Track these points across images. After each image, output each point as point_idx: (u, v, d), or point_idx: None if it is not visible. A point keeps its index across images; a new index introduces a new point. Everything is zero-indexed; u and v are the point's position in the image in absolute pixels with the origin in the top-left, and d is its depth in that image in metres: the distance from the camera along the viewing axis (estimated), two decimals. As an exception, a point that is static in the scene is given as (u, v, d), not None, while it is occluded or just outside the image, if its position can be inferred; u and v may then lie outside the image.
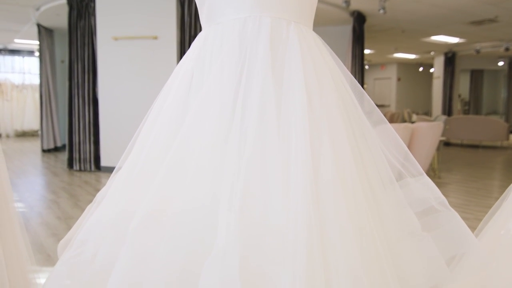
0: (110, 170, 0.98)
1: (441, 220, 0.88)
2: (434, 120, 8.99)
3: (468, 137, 10.01)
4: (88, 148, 6.12)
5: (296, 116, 0.79)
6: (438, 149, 5.55)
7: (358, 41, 7.33)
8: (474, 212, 3.93)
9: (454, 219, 0.88)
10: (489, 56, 12.05)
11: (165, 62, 5.50)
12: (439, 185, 0.95)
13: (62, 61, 8.54)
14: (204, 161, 0.78)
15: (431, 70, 13.33)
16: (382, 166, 0.88)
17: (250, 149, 0.76)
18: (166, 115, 0.88)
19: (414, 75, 14.48)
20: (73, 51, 6.05)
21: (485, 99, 14.54)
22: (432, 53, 11.79)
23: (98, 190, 0.97)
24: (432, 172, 5.74)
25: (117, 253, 0.76)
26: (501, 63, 12.87)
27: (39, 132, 8.83)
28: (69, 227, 0.98)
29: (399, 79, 14.20)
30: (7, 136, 11.23)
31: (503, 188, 1.22)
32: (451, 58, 11.43)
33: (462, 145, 10.49)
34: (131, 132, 0.94)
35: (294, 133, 0.78)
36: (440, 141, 5.55)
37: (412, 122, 7.67)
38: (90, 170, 6.13)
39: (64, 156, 6.82)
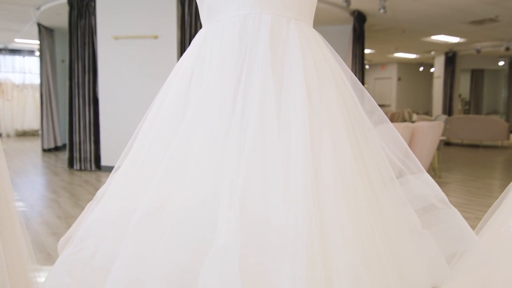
0: (110, 169, 0.99)
1: (441, 217, 0.88)
2: (434, 120, 8.98)
3: (468, 137, 10.00)
4: (88, 147, 6.13)
5: (296, 112, 0.79)
6: (438, 148, 5.55)
7: (359, 41, 7.33)
8: (475, 211, 3.93)
9: (454, 216, 0.88)
10: (490, 55, 12.05)
11: (166, 62, 5.50)
12: (439, 184, 0.95)
13: (63, 61, 8.54)
14: (204, 158, 0.78)
15: (432, 69, 13.33)
16: (382, 164, 0.88)
17: (250, 146, 0.76)
18: (166, 112, 0.88)
19: (414, 75, 14.47)
20: (74, 51, 6.05)
21: (486, 98, 14.53)
22: (432, 52, 11.78)
23: (98, 190, 0.97)
24: (433, 172, 5.74)
25: (117, 250, 0.76)
26: (501, 63, 12.86)
27: (40, 132, 8.84)
28: (69, 227, 0.98)
29: (399, 79, 14.19)
30: (8, 135, 11.23)
31: (503, 187, 1.22)
32: (451, 57, 11.42)
33: (462, 145, 10.48)
34: (132, 131, 0.94)
35: (294, 130, 0.77)
36: (441, 140, 5.55)
37: (413, 122, 7.66)
38: (91, 170, 6.13)
39: (65, 155, 6.83)
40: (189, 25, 5.56)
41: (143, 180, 0.83)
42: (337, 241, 0.73)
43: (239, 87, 0.81)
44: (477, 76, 14.22)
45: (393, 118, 10.79)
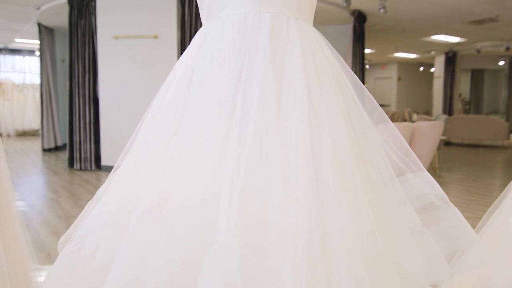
0: (110, 169, 0.99)
1: (441, 216, 0.88)
2: (434, 120, 8.98)
3: (468, 137, 10.00)
4: (88, 147, 6.13)
5: (296, 111, 0.79)
6: (438, 148, 5.55)
7: (359, 41, 7.33)
8: (475, 211, 3.93)
9: (454, 214, 0.87)
10: (490, 55, 12.04)
11: (166, 61, 5.50)
12: (439, 184, 0.95)
13: (63, 61, 8.54)
14: (204, 157, 0.78)
15: (432, 69, 13.32)
16: (382, 162, 0.88)
17: (250, 144, 0.76)
18: (166, 111, 0.88)
19: (414, 75, 14.47)
20: (74, 50, 6.05)
21: (486, 98, 14.53)
22: (432, 52, 11.78)
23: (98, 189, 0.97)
24: (433, 171, 5.74)
25: (117, 249, 0.76)
26: (501, 63, 12.86)
27: (40, 132, 8.84)
28: (69, 226, 0.98)
29: (399, 79, 14.19)
30: (8, 135, 11.23)
31: (504, 187, 1.22)
32: (451, 57, 11.42)
33: (462, 145, 10.48)
34: (132, 131, 0.94)
35: (294, 128, 0.77)
36: (441, 140, 5.55)
37: (413, 122, 7.66)
38: (91, 169, 6.13)
39: (65, 155, 6.83)
40: (189, 25, 5.56)
41: (143, 179, 0.83)
42: (337, 240, 0.73)
43: (239, 85, 0.81)
44: (477, 76, 14.22)
45: (393, 118, 10.78)
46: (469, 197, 4.56)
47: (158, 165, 0.81)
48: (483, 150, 9.44)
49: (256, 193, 0.74)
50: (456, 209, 0.88)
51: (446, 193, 0.89)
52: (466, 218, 0.88)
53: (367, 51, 10.14)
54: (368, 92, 0.94)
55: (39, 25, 7.74)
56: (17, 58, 11.88)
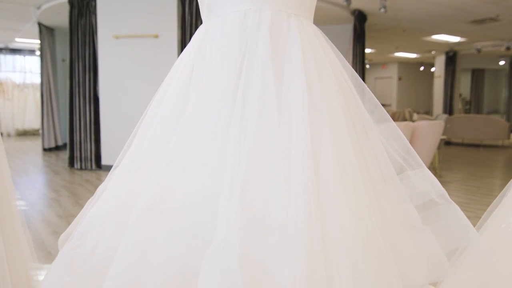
0: (110, 168, 0.99)
1: (442, 213, 0.88)
2: (435, 119, 8.98)
3: (469, 136, 9.99)
4: (89, 146, 6.13)
5: (297, 108, 0.78)
6: (439, 148, 5.55)
7: (359, 40, 7.33)
8: (475, 210, 3.92)
9: (454, 212, 0.87)
10: (490, 55, 12.03)
11: (166, 61, 5.50)
12: (440, 183, 0.95)
13: (63, 60, 8.54)
14: (204, 154, 0.78)
15: (432, 69, 13.32)
16: (383, 159, 0.88)
17: (250, 142, 0.75)
18: (166, 108, 0.88)
19: (415, 74, 14.46)
20: (74, 50, 6.05)
21: (486, 98, 14.52)
22: (433, 52, 11.77)
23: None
24: (433, 171, 5.73)
25: (117, 246, 0.75)
26: (502, 62, 12.85)
27: (40, 131, 8.84)
28: (69, 225, 0.99)
29: (400, 78, 14.18)
30: (9, 135, 11.23)
31: (504, 186, 1.22)
32: (452, 57, 11.41)
33: (463, 144, 10.47)
34: (132, 130, 0.93)
35: (294, 125, 0.77)
36: (441, 140, 5.54)
37: (413, 121, 7.66)
38: (91, 169, 6.13)
39: (65, 154, 6.83)
40: (189, 24, 5.56)
41: (143, 176, 0.83)
42: (338, 238, 0.72)
43: (239, 82, 0.81)
44: (477, 75, 14.21)
45: (393, 118, 10.72)
46: (469, 197, 4.56)
47: (158, 162, 0.80)
48: (483, 150, 9.43)
49: (256, 190, 0.74)
50: (456, 206, 0.87)
51: (447, 192, 0.89)
52: (467, 217, 0.88)
53: (367, 50, 10.14)
54: (369, 90, 0.94)
55: (40, 24, 7.74)
56: (18, 57, 11.88)
